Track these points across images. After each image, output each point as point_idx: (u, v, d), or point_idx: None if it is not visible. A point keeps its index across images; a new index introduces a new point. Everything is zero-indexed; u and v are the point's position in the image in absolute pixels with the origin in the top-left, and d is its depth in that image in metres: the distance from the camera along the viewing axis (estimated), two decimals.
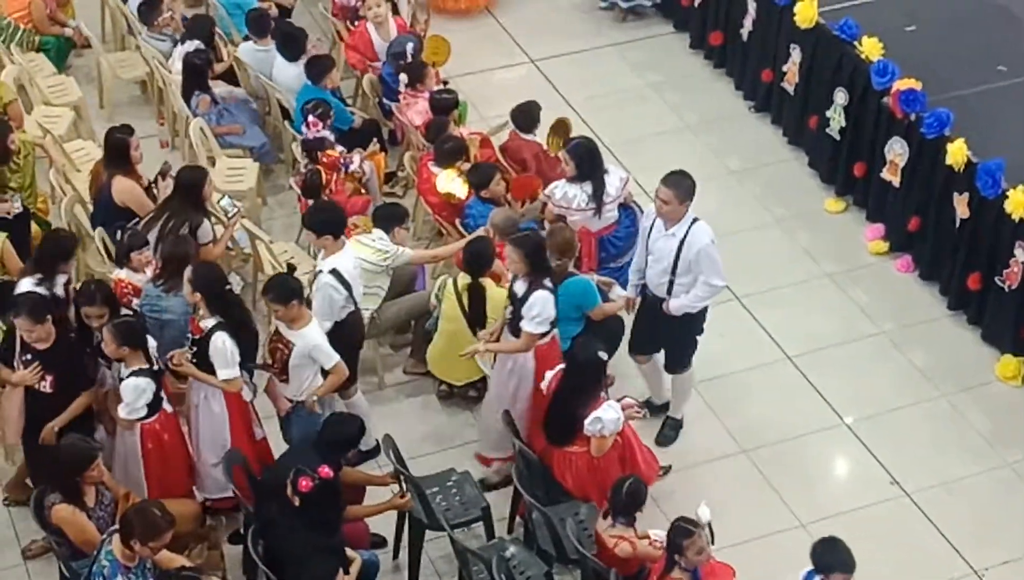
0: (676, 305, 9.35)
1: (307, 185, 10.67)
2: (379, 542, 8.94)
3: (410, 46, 12.02)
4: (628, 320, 9.85)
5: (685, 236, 9.16)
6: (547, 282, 9.02)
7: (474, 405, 10.10)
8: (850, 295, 11.14)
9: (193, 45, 12.03)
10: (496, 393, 9.33)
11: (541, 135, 11.37)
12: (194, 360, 8.75)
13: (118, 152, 10.25)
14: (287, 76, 12.03)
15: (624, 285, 9.91)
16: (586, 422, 8.54)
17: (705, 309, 9.53)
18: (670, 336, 9.62)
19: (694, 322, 9.53)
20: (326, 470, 7.88)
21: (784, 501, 9.55)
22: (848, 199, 11.91)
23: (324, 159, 10.88)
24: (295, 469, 7.94)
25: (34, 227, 10.72)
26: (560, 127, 11.54)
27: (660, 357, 9.78)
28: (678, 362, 9.72)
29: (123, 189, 10.17)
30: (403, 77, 11.75)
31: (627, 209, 10.53)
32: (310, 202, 10.61)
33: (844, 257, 11.49)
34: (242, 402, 8.88)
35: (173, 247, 9.42)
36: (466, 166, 10.73)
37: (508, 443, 9.13)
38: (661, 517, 8.64)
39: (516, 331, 9.11)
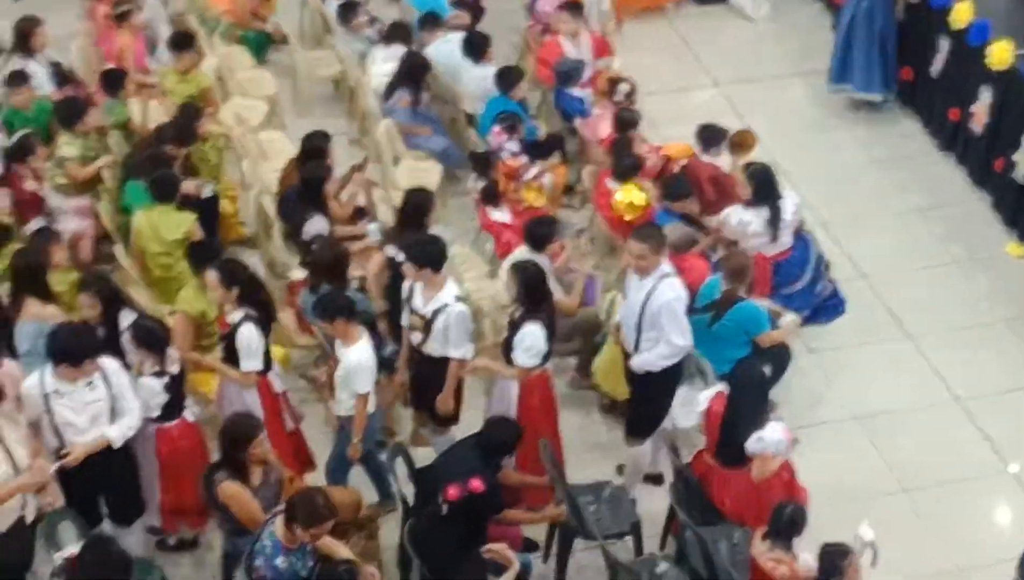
0: (637, 362, 9.04)
1: (484, 193, 10.84)
2: (531, 546, 9.04)
3: (583, 71, 12.17)
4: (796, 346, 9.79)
5: (652, 289, 8.89)
6: (540, 314, 8.90)
7: None
8: None
9: (399, 50, 12.31)
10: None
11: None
12: (223, 354, 8.90)
13: (314, 157, 10.50)
14: (471, 77, 12.24)
15: (796, 310, 9.87)
16: (748, 442, 8.52)
17: (672, 378, 9.15)
18: (633, 396, 9.38)
19: (656, 387, 9.13)
20: (477, 483, 7.90)
21: (942, 544, 9.43)
22: None
23: (503, 169, 11.03)
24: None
25: (225, 205, 11.10)
26: (743, 142, 11.46)
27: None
28: (633, 428, 9.40)
29: None
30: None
31: (800, 235, 10.49)
32: (488, 209, 10.79)
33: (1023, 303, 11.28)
34: (273, 393, 9.01)
35: (319, 252, 9.57)
36: (645, 182, 10.78)
37: None
38: (815, 547, 8.56)
39: (508, 357, 9.05)
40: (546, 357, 9.01)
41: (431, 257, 8.98)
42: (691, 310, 9.81)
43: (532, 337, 8.85)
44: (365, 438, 8.88)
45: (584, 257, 10.13)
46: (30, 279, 9.06)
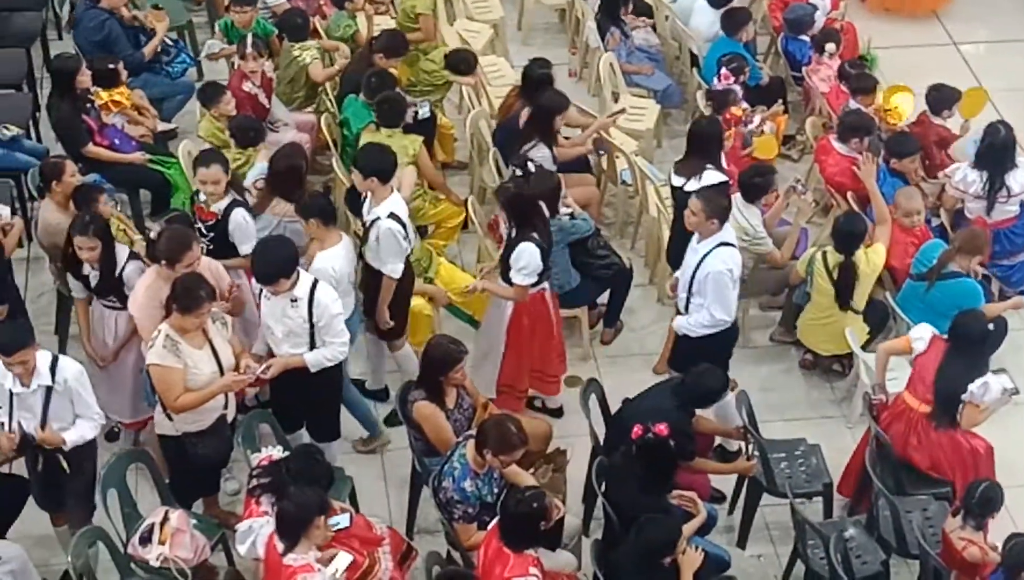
0: (677, 323, 8.93)
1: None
2: (718, 497, 8.95)
3: (817, 15, 11.93)
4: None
5: (706, 255, 8.66)
6: (534, 234, 8.77)
7: (836, 379, 9.96)
8: None
9: None
10: (485, 339, 9.23)
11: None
12: (211, 246, 8.82)
13: (538, 86, 10.44)
14: (704, 20, 12.04)
15: (1014, 283, 9.54)
16: (972, 386, 8.38)
17: (715, 346, 8.85)
18: (676, 357, 9.19)
19: (697, 352, 8.76)
20: (661, 427, 7.81)
21: None
22: None
23: (726, 114, 10.84)
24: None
25: (442, 120, 11.17)
26: (974, 102, 11.07)
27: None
28: None
29: None
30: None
31: None
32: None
33: None
34: None
35: (536, 184, 9.45)
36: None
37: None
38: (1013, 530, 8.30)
39: (507, 278, 8.95)
40: (541, 275, 8.93)
41: (378, 167, 8.91)
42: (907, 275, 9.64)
43: (527, 256, 8.77)
44: None
45: (803, 212, 9.95)
46: (284, 180, 9.24)
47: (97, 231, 8.48)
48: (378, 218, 8.89)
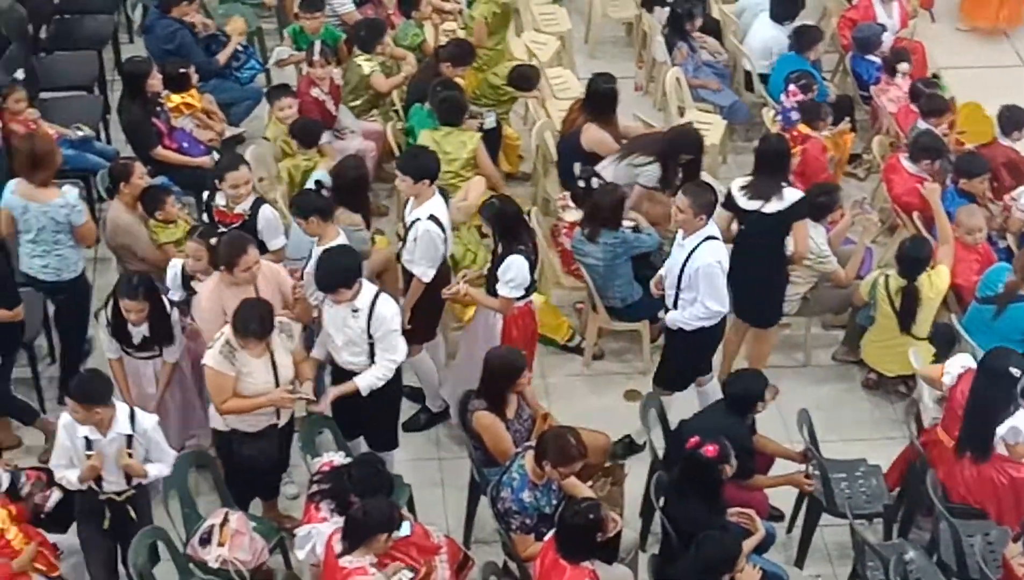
0: (670, 318, 8.92)
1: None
2: (777, 515, 8.90)
3: (885, 35, 11.88)
4: None
5: (694, 250, 8.65)
6: (521, 247, 8.78)
7: (898, 400, 9.89)
8: None
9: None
10: (467, 351, 9.18)
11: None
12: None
13: (601, 101, 10.46)
14: (764, 36, 11.99)
15: None
16: (1001, 431, 8.29)
17: (706, 339, 8.98)
18: (664, 349, 9.30)
19: (688, 345, 8.97)
20: (711, 449, 7.72)
21: None
22: None
23: (793, 132, 10.79)
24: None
25: (508, 131, 11.23)
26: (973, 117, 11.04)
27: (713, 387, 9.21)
28: (661, 380, 9.30)
29: (593, 138, 10.35)
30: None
31: None
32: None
33: None
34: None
35: (600, 197, 9.57)
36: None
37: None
38: None
39: (492, 289, 8.92)
40: (528, 290, 8.92)
41: (428, 170, 8.96)
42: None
43: (515, 269, 8.75)
44: None
45: (868, 231, 9.90)
46: (349, 189, 9.29)
47: (146, 293, 8.37)
48: (418, 219, 8.93)
